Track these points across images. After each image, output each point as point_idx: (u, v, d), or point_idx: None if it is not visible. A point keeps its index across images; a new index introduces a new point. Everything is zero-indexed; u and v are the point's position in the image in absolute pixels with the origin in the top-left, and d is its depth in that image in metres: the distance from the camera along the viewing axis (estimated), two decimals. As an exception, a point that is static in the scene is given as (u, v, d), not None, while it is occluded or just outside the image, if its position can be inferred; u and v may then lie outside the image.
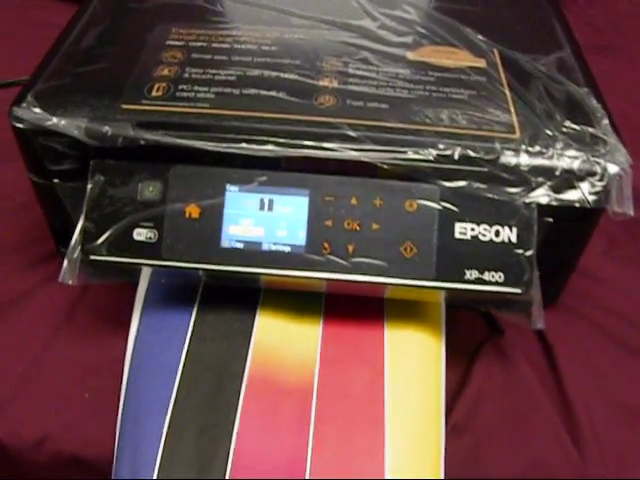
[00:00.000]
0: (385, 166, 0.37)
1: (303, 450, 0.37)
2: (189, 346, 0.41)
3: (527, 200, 0.38)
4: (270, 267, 0.38)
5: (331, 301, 0.43)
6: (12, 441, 0.41)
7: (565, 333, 0.47)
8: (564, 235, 0.41)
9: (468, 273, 0.38)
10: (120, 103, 0.39)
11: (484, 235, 0.38)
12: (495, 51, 0.44)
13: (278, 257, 0.38)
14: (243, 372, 0.40)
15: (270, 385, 0.40)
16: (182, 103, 0.39)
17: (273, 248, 0.38)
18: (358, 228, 0.38)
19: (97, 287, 0.47)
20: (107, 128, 0.37)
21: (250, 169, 0.38)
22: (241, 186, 0.38)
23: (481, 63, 0.43)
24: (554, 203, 0.38)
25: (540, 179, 0.37)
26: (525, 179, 0.37)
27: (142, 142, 0.37)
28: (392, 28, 0.46)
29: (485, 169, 0.37)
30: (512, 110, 0.40)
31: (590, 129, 0.39)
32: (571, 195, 0.38)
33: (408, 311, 0.43)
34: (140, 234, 0.38)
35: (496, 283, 0.38)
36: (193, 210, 0.38)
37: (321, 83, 0.41)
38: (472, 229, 0.38)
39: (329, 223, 0.38)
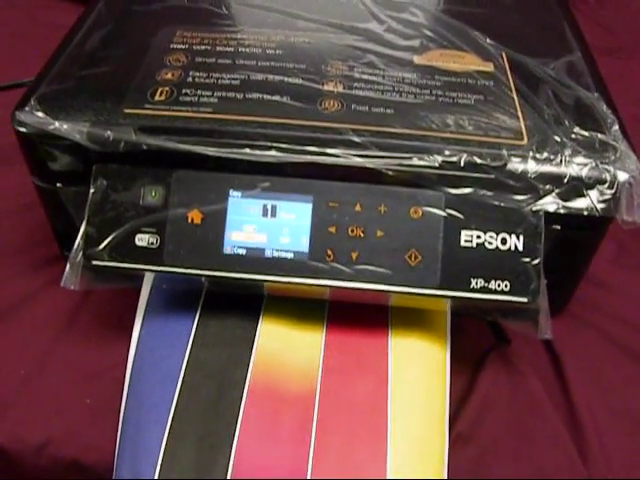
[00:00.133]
0: (390, 172, 0.37)
1: (304, 460, 0.37)
2: (191, 352, 0.41)
3: (534, 208, 0.37)
4: (273, 274, 0.38)
5: (334, 309, 0.43)
6: (13, 445, 0.41)
7: (573, 342, 0.46)
8: (572, 243, 0.40)
9: (474, 282, 0.37)
10: (123, 107, 0.38)
11: (490, 243, 0.37)
12: (503, 55, 0.44)
13: (281, 264, 0.38)
14: (245, 379, 0.40)
15: (272, 393, 0.39)
16: (185, 108, 0.38)
17: (276, 255, 0.38)
18: (362, 235, 0.38)
19: (100, 291, 0.46)
20: (109, 133, 0.37)
21: (253, 175, 0.38)
22: (244, 192, 0.38)
23: (489, 67, 0.43)
24: (562, 211, 0.37)
25: (548, 186, 0.37)
26: (532, 186, 0.37)
27: (144, 147, 0.37)
28: (399, 31, 0.46)
29: (492, 176, 0.37)
30: (520, 115, 0.39)
31: (600, 135, 0.38)
32: (579, 203, 0.37)
33: (413, 319, 0.42)
34: (142, 239, 0.38)
35: (502, 292, 0.37)
36: (195, 216, 0.38)
37: (326, 87, 0.40)
38: (478, 237, 0.37)
39: (333, 230, 0.38)
